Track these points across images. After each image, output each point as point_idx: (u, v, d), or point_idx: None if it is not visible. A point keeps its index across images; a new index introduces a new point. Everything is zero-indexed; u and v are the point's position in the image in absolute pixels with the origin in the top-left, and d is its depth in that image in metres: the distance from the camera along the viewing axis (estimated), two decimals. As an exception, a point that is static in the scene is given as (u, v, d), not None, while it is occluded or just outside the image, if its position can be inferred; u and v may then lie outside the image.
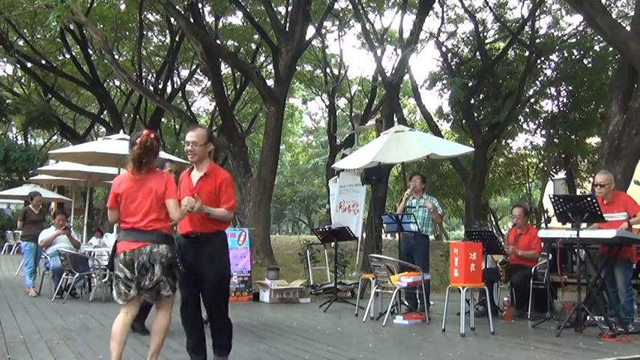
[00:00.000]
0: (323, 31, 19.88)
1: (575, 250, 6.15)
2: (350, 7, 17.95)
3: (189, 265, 3.99)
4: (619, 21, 11.41)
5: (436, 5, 16.80)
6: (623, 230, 5.64)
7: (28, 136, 26.68)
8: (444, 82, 17.02)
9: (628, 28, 9.00)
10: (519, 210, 7.44)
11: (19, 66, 20.01)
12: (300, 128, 39.18)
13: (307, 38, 15.71)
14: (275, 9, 16.09)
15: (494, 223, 22.06)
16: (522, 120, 17.80)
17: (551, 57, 16.57)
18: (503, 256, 7.25)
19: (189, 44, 16.98)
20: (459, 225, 38.16)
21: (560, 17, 17.92)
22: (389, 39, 20.65)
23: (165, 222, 3.81)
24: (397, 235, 7.71)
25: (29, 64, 19.42)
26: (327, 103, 24.40)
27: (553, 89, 16.72)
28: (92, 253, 8.86)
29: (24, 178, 20.14)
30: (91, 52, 19.17)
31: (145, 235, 3.76)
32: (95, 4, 16.39)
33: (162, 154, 9.23)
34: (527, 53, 15.95)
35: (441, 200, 18.30)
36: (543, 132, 17.45)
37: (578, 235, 5.63)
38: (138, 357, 4.50)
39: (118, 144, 8.78)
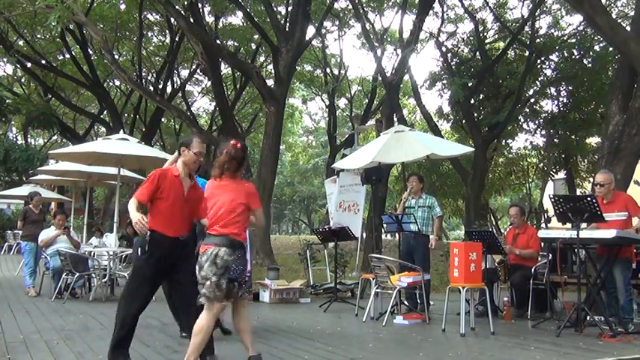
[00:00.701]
0: (323, 31, 19.88)
1: (575, 250, 6.15)
2: (350, 7, 17.95)
3: (172, 264, 4.20)
4: (619, 21, 11.40)
5: (436, 5, 16.81)
6: (633, 232, 5.66)
7: (28, 136, 26.67)
8: (444, 82, 16.99)
9: (628, 28, 9.00)
10: (515, 209, 7.45)
11: (19, 66, 20.00)
12: (300, 128, 39.18)
13: (307, 38, 15.71)
14: (275, 9, 16.10)
15: (494, 223, 22.06)
16: (522, 120, 17.77)
17: (551, 57, 16.56)
18: (501, 255, 7.26)
19: (189, 44, 16.98)
20: (459, 225, 38.14)
21: (560, 17, 17.92)
22: (389, 39, 20.67)
23: (239, 228, 3.94)
24: (397, 235, 7.72)
25: (29, 64, 19.43)
26: (327, 103, 24.41)
27: (553, 89, 16.70)
28: (92, 253, 8.87)
29: (24, 178, 20.17)
30: (91, 52, 19.19)
31: (215, 238, 3.91)
32: (95, 4, 16.41)
33: (162, 154, 9.24)
34: (527, 53, 15.94)
35: (441, 200, 18.32)
36: (543, 132, 17.43)
37: (578, 235, 5.63)
38: (137, 357, 4.50)
39: (118, 144, 8.77)
